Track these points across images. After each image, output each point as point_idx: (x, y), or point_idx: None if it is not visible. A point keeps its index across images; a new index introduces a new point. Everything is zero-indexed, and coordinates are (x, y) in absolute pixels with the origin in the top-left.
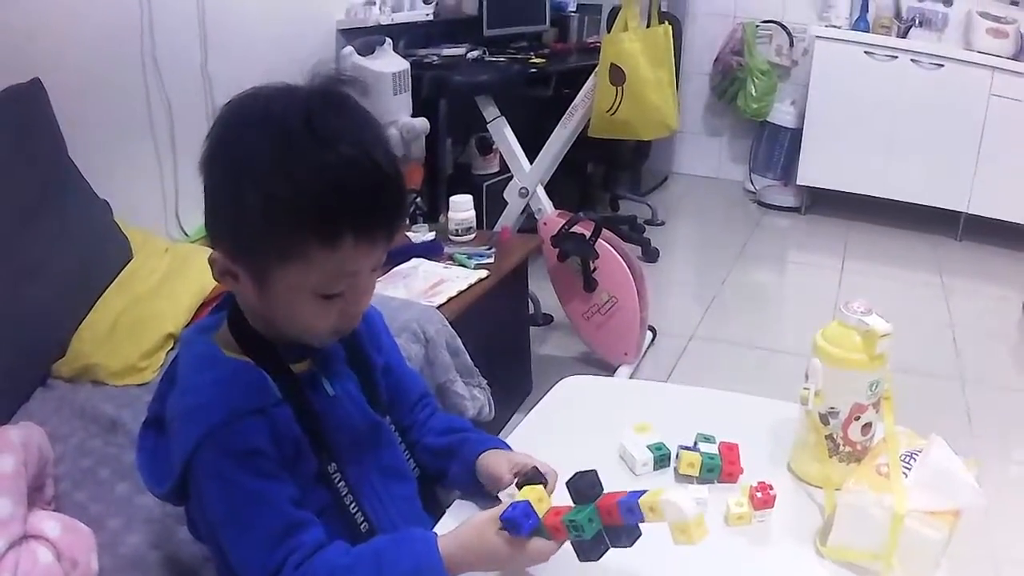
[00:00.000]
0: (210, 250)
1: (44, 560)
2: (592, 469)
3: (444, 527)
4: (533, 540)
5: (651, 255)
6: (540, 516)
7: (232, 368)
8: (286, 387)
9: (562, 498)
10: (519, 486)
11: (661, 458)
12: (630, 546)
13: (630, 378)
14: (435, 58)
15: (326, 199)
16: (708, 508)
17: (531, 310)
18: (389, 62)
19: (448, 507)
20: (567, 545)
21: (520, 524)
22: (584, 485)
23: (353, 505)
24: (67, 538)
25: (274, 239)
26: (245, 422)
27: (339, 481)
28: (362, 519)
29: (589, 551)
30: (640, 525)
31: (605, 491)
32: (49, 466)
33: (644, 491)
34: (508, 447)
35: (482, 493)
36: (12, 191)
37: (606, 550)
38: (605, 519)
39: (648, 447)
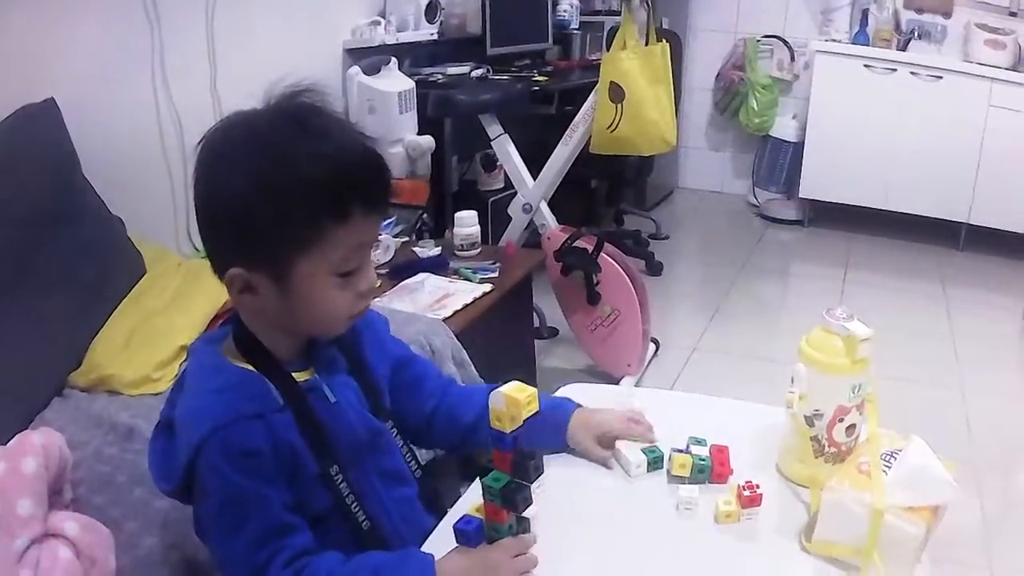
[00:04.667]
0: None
1: (64, 557)
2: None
3: (446, 526)
4: (500, 541)
5: (655, 269)
6: (480, 516)
7: (236, 376)
8: (288, 394)
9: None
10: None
11: (655, 460)
12: (537, 475)
13: None
14: (440, 76)
15: (333, 182)
16: (698, 508)
17: (536, 323)
18: (395, 81)
19: (450, 507)
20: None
21: (465, 531)
22: (479, 467)
23: (355, 506)
24: (86, 537)
25: (291, 233)
26: (244, 425)
27: (341, 483)
28: (364, 518)
29: (516, 499)
30: (539, 458)
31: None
32: (68, 470)
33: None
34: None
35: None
36: (28, 207)
37: (527, 491)
38: (501, 467)
39: (642, 450)
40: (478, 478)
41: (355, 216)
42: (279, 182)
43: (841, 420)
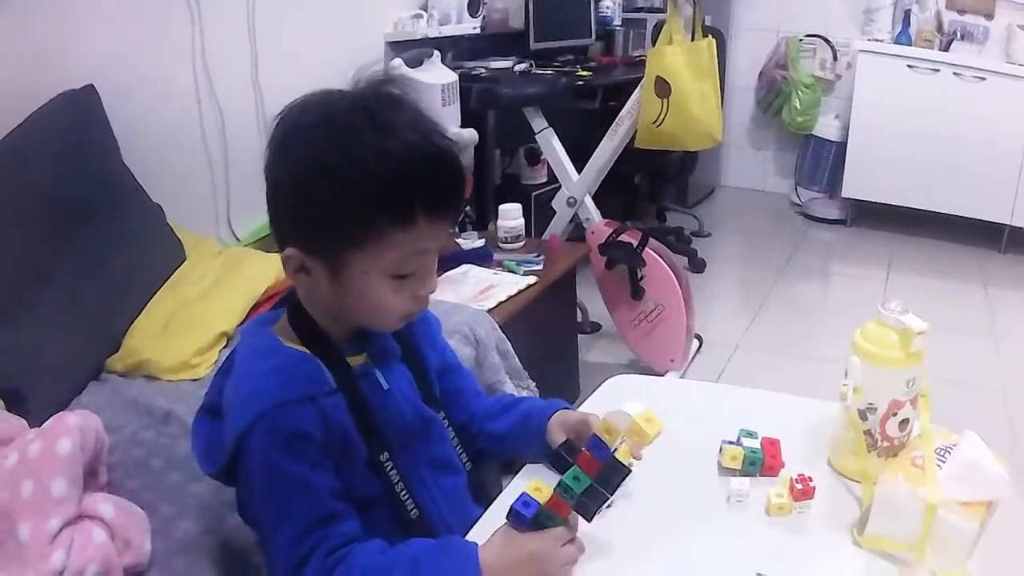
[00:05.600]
0: (261, 252)
1: (98, 539)
2: (565, 439)
3: (492, 516)
4: (550, 530)
5: (698, 266)
6: (540, 502)
7: (289, 357)
8: (341, 378)
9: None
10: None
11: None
12: (620, 483)
13: None
14: (483, 70)
15: (397, 184)
16: (749, 500)
17: (579, 318)
18: (437, 74)
19: (496, 497)
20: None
21: (520, 512)
22: (560, 457)
23: (404, 493)
24: (121, 519)
25: (349, 228)
26: (296, 407)
27: (391, 469)
28: (412, 506)
29: (590, 506)
30: (629, 465)
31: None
32: (103, 453)
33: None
34: (567, 406)
35: None
36: (67, 193)
37: (605, 499)
38: (587, 470)
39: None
40: (557, 473)
41: (417, 221)
42: (340, 175)
43: (895, 414)
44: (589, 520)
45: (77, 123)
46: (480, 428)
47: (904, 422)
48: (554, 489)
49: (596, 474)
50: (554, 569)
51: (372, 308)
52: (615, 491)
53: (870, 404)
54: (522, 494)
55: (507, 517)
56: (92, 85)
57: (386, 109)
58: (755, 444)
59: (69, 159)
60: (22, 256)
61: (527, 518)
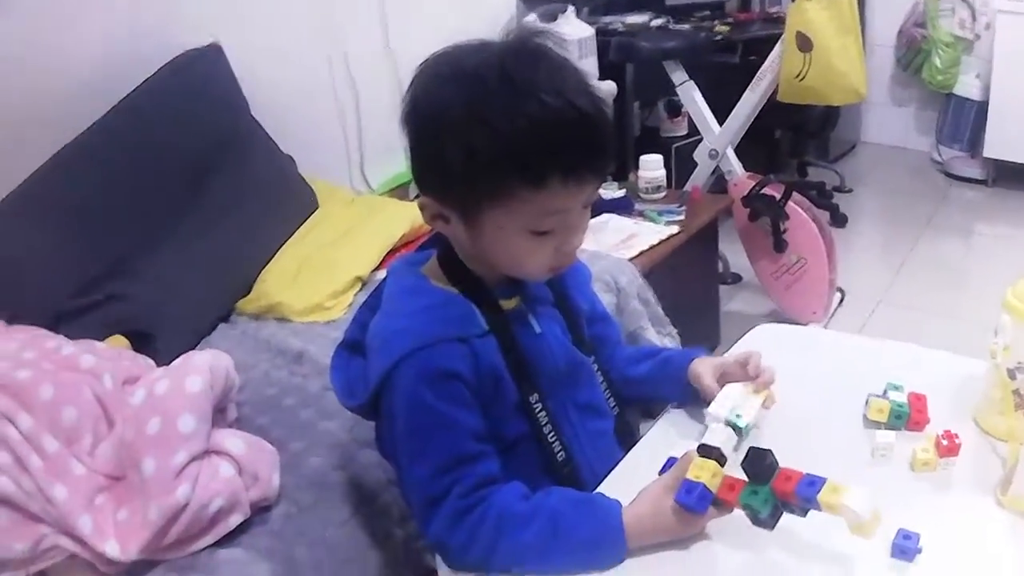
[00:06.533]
0: (396, 200)
1: (225, 474)
2: (768, 449)
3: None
4: (703, 516)
5: (839, 220)
6: (714, 492)
7: (440, 297)
8: (493, 320)
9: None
10: (698, 452)
11: (736, 429)
12: (804, 516)
13: None
14: (619, 25)
15: (528, 146)
16: (893, 454)
17: (720, 268)
18: (573, 28)
19: (640, 438)
20: None
21: (696, 509)
22: (760, 466)
23: (552, 435)
24: (250, 454)
25: (479, 185)
26: (446, 347)
27: (540, 411)
28: (559, 448)
29: (765, 523)
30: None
31: (780, 468)
32: (233, 391)
33: (823, 480)
34: (706, 353)
35: (697, 400)
36: (194, 144)
37: (781, 516)
38: (781, 492)
39: (728, 419)
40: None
41: (551, 182)
42: (471, 131)
43: None
44: (763, 527)
45: (202, 79)
46: (619, 374)
47: None
48: (740, 499)
49: (788, 499)
50: (694, 532)
51: (512, 261)
52: (799, 514)
53: (1020, 363)
54: (700, 486)
55: (677, 500)
56: (217, 43)
57: (527, 66)
58: (902, 398)
59: (194, 114)
60: (150, 207)
61: (694, 503)
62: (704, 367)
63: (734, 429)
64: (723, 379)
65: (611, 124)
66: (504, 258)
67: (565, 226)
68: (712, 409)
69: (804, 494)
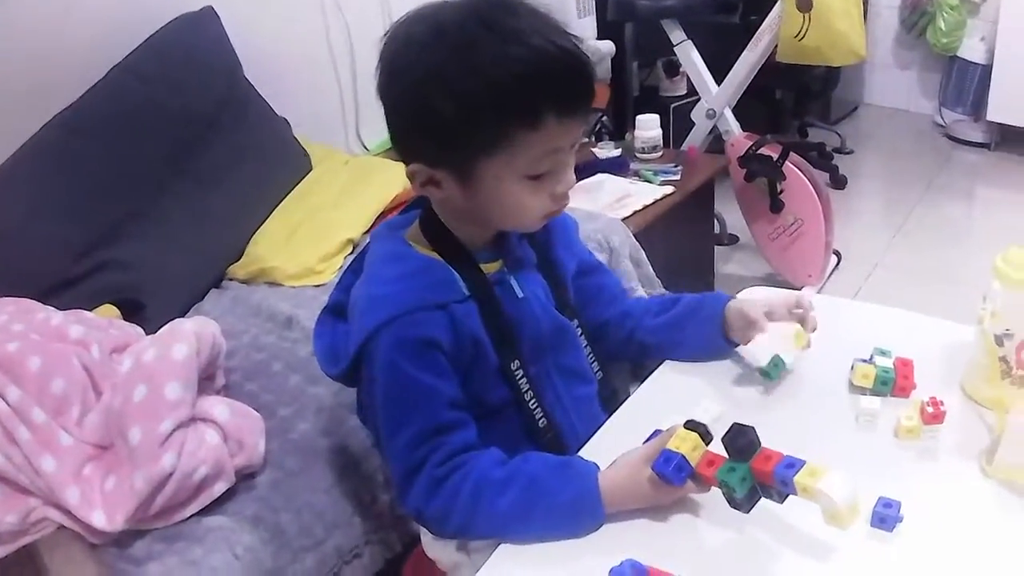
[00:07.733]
0: (390, 161)
1: (211, 441)
2: (751, 426)
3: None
4: (681, 488)
5: (839, 182)
6: (694, 465)
7: (422, 263)
8: (475, 285)
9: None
10: (684, 426)
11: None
12: (780, 503)
13: None
14: None
15: (523, 89)
16: (878, 421)
17: (716, 229)
18: None
19: (622, 402)
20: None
21: (672, 479)
22: (741, 443)
23: (533, 402)
24: (235, 421)
25: (477, 135)
26: (425, 314)
27: (521, 378)
28: (541, 415)
29: (740, 505)
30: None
31: (762, 447)
32: (221, 357)
33: (802, 462)
34: (730, 297)
35: (720, 350)
36: (188, 108)
37: (758, 501)
38: (759, 474)
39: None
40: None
41: (547, 121)
42: (463, 83)
43: None
44: (740, 510)
45: (196, 43)
46: (639, 323)
47: None
48: (717, 475)
49: (765, 481)
50: (668, 502)
51: (510, 212)
52: (777, 500)
53: (1007, 330)
54: (679, 457)
55: (655, 470)
56: (211, 7)
57: (504, 16)
58: (888, 363)
59: (188, 78)
60: (143, 172)
61: (671, 474)
62: (748, 305)
63: (766, 376)
64: (768, 318)
65: (590, 61)
66: (501, 211)
67: (559, 165)
68: (751, 349)
69: (782, 476)
